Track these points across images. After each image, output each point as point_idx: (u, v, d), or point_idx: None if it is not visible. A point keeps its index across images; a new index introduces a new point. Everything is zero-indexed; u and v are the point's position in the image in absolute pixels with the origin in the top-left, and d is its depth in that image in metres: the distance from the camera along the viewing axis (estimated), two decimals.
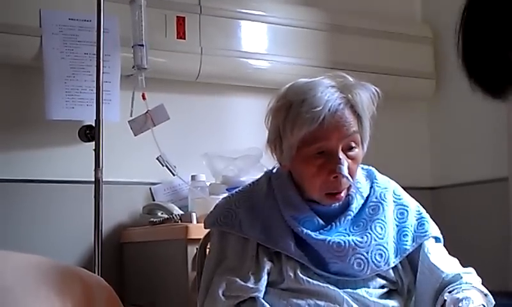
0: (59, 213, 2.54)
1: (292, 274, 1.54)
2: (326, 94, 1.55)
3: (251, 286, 1.52)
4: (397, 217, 1.65)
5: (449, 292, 1.52)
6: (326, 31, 3.03)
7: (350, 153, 1.57)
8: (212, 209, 1.71)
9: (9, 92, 2.52)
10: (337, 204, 1.61)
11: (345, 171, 1.54)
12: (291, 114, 1.56)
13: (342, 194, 1.59)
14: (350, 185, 1.59)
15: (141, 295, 2.51)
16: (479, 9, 1.01)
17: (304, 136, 1.54)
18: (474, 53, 1.03)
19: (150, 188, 2.70)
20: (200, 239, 1.82)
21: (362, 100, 1.58)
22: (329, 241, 1.56)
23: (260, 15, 2.90)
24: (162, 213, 2.54)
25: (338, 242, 1.56)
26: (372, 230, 1.59)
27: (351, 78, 1.61)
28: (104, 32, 2.35)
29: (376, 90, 1.60)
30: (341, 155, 1.55)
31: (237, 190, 1.73)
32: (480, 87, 1.05)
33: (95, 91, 2.33)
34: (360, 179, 1.67)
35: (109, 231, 2.58)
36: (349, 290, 1.53)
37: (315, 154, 1.56)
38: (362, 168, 1.71)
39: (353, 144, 1.58)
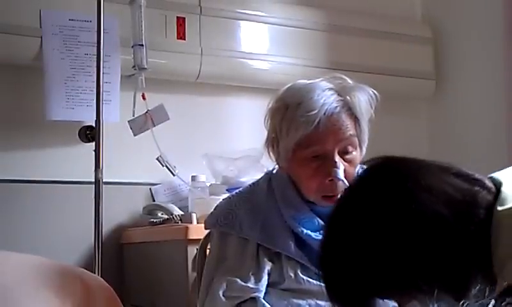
0: (59, 213, 2.53)
1: (292, 274, 1.54)
2: (323, 97, 1.54)
3: (252, 286, 1.52)
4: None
5: None
6: (326, 31, 3.03)
7: (347, 157, 1.57)
8: (212, 210, 1.71)
9: (9, 92, 2.52)
10: None
11: (341, 175, 1.54)
12: (287, 116, 1.56)
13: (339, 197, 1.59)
14: None
15: (141, 296, 2.51)
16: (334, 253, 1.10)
17: (300, 139, 1.54)
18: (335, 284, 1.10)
19: (150, 189, 2.70)
20: (200, 240, 1.82)
21: (360, 102, 1.57)
22: None
23: (260, 15, 2.90)
24: (162, 214, 2.54)
25: None
26: None
27: (349, 81, 1.61)
28: (104, 32, 2.35)
29: (374, 93, 1.60)
30: (337, 159, 1.55)
31: (237, 191, 1.73)
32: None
33: (95, 92, 2.33)
34: None
35: (109, 232, 2.58)
36: None
37: (311, 157, 1.56)
38: (362, 168, 1.71)
39: (350, 148, 1.58)
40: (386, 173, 1.09)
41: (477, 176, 1.08)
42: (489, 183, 1.08)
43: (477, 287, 1.01)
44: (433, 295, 1.01)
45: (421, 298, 1.03)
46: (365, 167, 1.14)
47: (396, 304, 1.35)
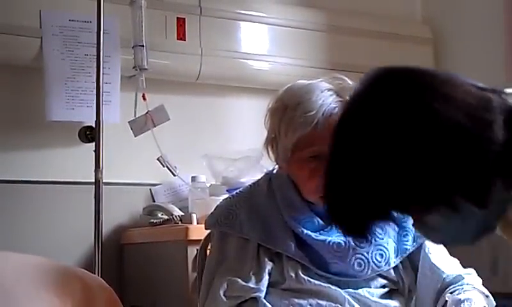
0: (59, 214, 2.53)
1: (293, 274, 1.54)
2: (321, 98, 1.55)
3: (253, 286, 1.52)
4: (398, 216, 1.65)
5: (450, 293, 1.52)
6: (325, 31, 3.03)
7: None
8: (213, 210, 1.71)
9: (9, 93, 2.52)
10: None
11: None
12: (286, 117, 1.57)
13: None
14: None
15: (142, 296, 2.50)
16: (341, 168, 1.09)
17: (298, 140, 1.55)
18: (338, 204, 1.12)
19: (150, 189, 2.70)
20: (200, 240, 1.82)
21: None
22: (329, 241, 1.56)
23: (260, 16, 2.90)
24: (162, 214, 2.54)
25: (339, 243, 1.56)
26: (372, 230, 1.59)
27: (349, 81, 1.61)
28: (104, 33, 2.35)
29: None
30: None
31: (237, 191, 1.73)
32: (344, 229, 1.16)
33: (95, 92, 2.33)
34: None
35: (109, 232, 2.58)
36: (350, 290, 1.53)
37: (309, 157, 1.56)
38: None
39: None
40: (401, 82, 1.07)
41: (483, 85, 1.07)
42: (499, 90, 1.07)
43: (498, 193, 1.02)
44: (455, 205, 1.02)
45: (441, 210, 1.04)
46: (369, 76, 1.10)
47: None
